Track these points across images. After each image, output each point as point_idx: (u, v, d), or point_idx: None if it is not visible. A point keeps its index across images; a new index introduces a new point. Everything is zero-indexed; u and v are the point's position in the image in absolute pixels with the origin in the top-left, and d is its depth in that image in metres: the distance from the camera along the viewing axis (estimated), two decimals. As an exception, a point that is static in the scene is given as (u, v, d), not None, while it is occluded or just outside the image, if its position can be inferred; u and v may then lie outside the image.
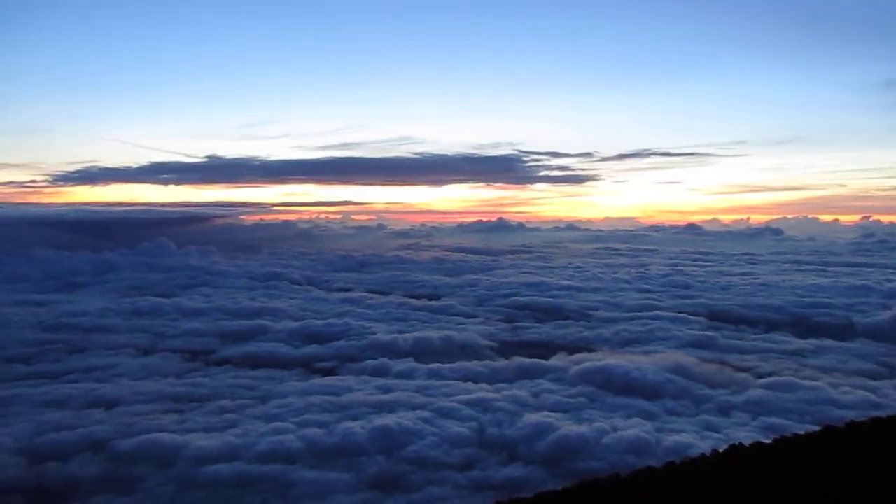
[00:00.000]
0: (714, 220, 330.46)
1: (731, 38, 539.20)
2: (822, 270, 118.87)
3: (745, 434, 31.59)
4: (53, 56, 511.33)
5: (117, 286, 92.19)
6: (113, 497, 26.88)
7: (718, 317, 70.18)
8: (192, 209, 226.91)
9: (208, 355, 51.77)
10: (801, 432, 12.54)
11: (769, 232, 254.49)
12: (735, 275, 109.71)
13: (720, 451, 11.52)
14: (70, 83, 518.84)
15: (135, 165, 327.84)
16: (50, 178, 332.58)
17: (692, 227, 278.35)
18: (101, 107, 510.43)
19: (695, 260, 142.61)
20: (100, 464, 29.77)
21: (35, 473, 28.86)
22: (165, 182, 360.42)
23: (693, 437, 32.41)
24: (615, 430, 33.26)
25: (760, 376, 45.26)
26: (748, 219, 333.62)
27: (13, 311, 67.23)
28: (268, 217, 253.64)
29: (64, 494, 27.34)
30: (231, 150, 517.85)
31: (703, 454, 11.69)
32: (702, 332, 60.19)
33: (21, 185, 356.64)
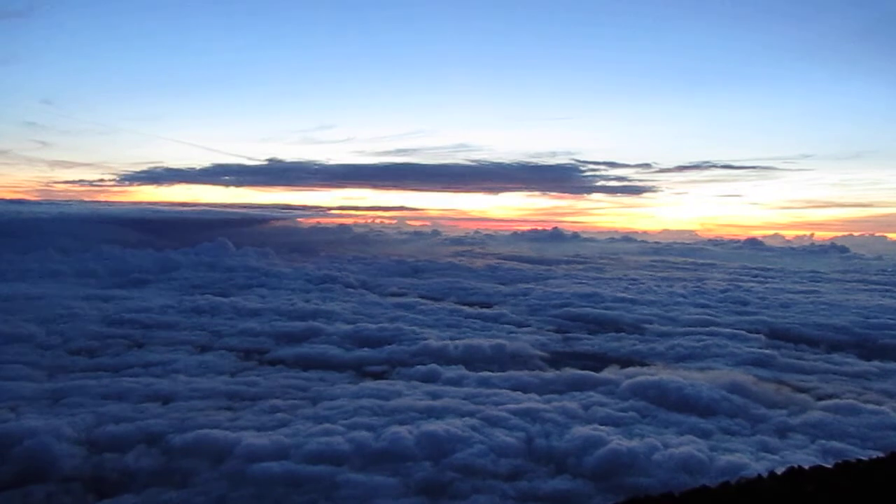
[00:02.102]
0: (776, 236, 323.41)
1: (797, 48, 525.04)
2: (889, 291, 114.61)
3: (803, 457, 30.62)
4: (122, 59, 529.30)
5: (179, 284, 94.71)
6: (166, 489, 27.46)
7: (778, 335, 68.22)
8: (252, 211, 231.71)
9: (262, 355, 52.64)
10: (865, 458, 12.05)
11: (834, 249, 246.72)
12: (797, 292, 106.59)
13: (778, 473, 11.16)
14: (138, 86, 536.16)
15: (198, 167, 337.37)
16: (117, 178, 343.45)
17: (753, 242, 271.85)
18: (167, 109, 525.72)
19: (755, 276, 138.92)
20: (155, 457, 30.48)
21: (93, 463, 29.74)
22: (227, 184, 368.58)
23: (748, 458, 31.47)
24: (667, 446, 32.54)
25: (821, 398, 43.80)
26: (812, 235, 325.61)
27: (80, 306, 69.60)
28: (325, 221, 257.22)
29: (120, 485, 28.07)
30: (291, 153, 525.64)
31: (759, 475, 11.35)
32: (760, 350, 58.53)
33: (90, 183, 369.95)
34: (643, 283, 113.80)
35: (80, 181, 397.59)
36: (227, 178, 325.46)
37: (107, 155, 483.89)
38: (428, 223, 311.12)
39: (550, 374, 47.99)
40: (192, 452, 30.66)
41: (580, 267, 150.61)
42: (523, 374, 47.21)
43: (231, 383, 43.47)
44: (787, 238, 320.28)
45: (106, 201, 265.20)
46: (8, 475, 28.12)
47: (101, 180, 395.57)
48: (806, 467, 11.55)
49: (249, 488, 27.83)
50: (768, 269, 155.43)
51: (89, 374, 44.48)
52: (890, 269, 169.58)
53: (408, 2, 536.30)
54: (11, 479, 27.73)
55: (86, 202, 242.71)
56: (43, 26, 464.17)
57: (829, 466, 11.50)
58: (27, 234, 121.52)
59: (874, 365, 54.78)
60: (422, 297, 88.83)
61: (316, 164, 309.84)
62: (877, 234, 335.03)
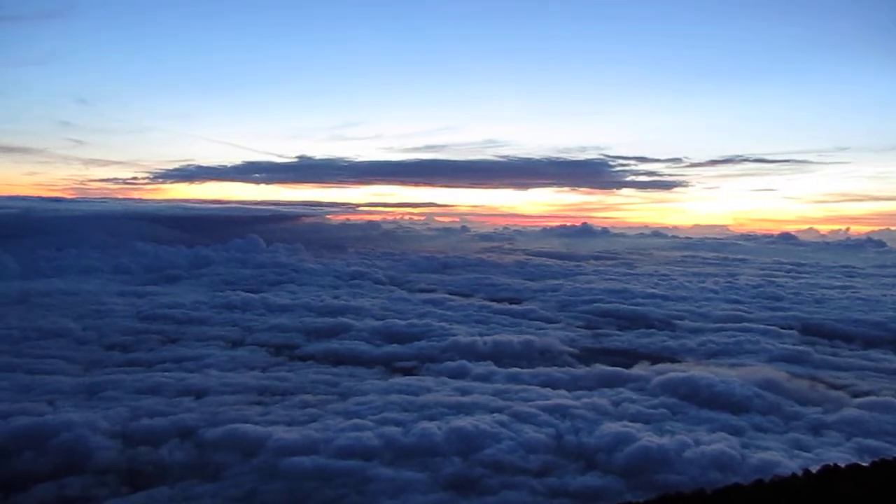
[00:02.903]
0: (811, 230, 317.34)
1: (832, 40, 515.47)
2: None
3: (838, 455, 30.10)
4: (155, 59, 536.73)
5: (210, 280, 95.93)
6: (199, 482, 27.88)
7: (812, 331, 67.21)
8: (282, 208, 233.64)
9: (293, 350, 53.16)
10: (902, 456, 11.80)
11: (870, 244, 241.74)
12: (831, 288, 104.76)
13: (813, 471, 10.98)
14: (170, 86, 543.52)
15: (229, 164, 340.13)
16: (150, 176, 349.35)
17: (787, 237, 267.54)
18: (199, 108, 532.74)
19: (788, 271, 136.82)
20: (187, 450, 30.97)
21: (128, 456, 30.28)
22: (257, 181, 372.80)
23: (781, 456, 31.05)
24: (698, 443, 32.22)
25: (856, 395, 43.07)
26: (847, 229, 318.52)
27: (114, 301, 70.88)
28: (354, 217, 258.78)
29: (154, 478, 28.54)
30: (321, 150, 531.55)
31: (793, 473, 11.19)
32: (794, 347, 57.68)
33: (124, 181, 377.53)
34: (674, 279, 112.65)
35: (115, 179, 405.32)
36: (257, 175, 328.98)
37: (140, 153, 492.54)
38: (456, 219, 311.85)
39: (580, 370, 47.77)
40: (224, 446, 31.09)
41: (610, 262, 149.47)
42: (553, 371, 47.08)
43: (262, 378, 43.98)
44: (821, 232, 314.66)
45: (139, 199, 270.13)
46: (45, 467, 28.73)
47: (135, 178, 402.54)
48: (841, 465, 11.37)
49: (280, 482, 28.12)
50: (802, 264, 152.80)
51: (124, 368, 45.34)
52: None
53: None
54: (49, 471, 28.35)
55: (120, 200, 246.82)
56: (79, 27, 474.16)
57: (865, 465, 11.30)
58: (63, 232, 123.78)
59: (912, 362, 53.62)
60: (450, 293, 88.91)
61: (345, 161, 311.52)
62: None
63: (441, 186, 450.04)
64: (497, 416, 35.23)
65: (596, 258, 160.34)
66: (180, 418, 34.34)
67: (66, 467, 28.70)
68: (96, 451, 30.14)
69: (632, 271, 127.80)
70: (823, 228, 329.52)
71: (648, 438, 32.45)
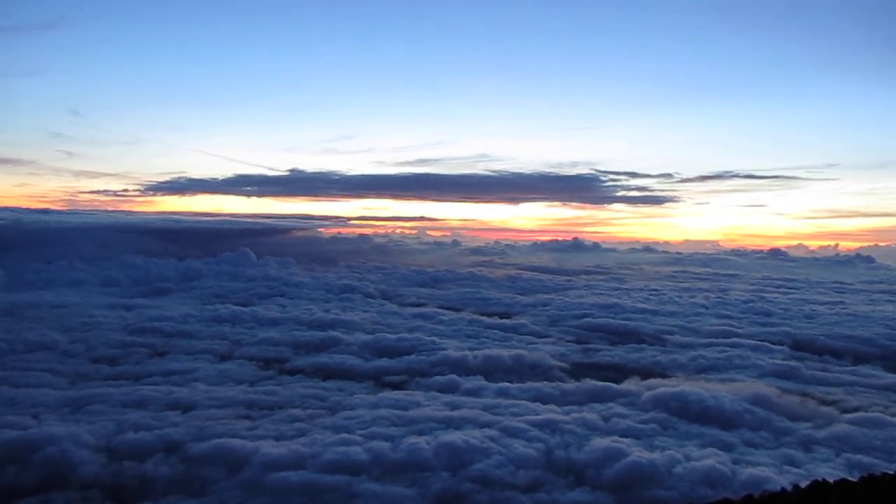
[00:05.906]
0: (800, 246, 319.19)
1: (822, 57, 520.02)
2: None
3: (828, 471, 30.08)
4: (147, 71, 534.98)
5: (200, 293, 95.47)
6: (184, 498, 27.57)
7: (802, 346, 67.41)
8: (273, 221, 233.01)
9: (282, 364, 52.81)
10: (891, 472, 11.76)
11: (860, 260, 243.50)
12: (821, 303, 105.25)
13: (803, 486, 10.92)
14: (162, 97, 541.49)
15: (220, 177, 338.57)
16: (141, 188, 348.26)
17: (776, 253, 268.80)
18: (191, 120, 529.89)
19: (778, 286, 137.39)
20: (173, 465, 30.62)
21: (113, 471, 29.92)
22: (249, 194, 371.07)
23: (771, 471, 30.97)
24: (688, 459, 32.16)
25: (846, 411, 43.19)
26: (837, 245, 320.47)
27: (103, 314, 70.35)
28: (345, 230, 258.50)
29: (139, 493, 28.22)
30: (313, 164, 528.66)
31: (783, 489, 11.12)
32: (784, 362, 57.82)
33: (115, 193, 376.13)
34: (664, 294, 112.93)
35: (105, 191, 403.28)
36: (248, 188, 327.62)
37: (131, 165, 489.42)
38: (448, 233, 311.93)
39: (570, 385, 47.65)
40: (211, 461, 30.76)
41: (601, 277, 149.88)
42: (543, 385, 46.95)
43: (250, 392, 43.63)
44: (811, 248, 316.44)
45: (130, 211, 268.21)
46: (29, 481, 28.36)
47: (126, 190, 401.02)
48: (831, 481, 11.31)
49: (267, 497, 27.84)
50: (792, 280, 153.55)
51: (111, 382, 44.95)
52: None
53: (429, 13, 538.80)
54: (32, 486, 27.98)
55: (110, 212, 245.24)
56: (71, 38, 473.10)
57: (854, 480, 11.25)
58: (53, 244, 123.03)
59: (901, 377, 53.76)
60: (441, 307, 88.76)
61: (337, 175, 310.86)
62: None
63: (433, 200, 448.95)
64: (486, 430, 35.03)
65: (587, 273, 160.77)
66: (166, 432, 33.94)
67: (49, 482, 28.34)
68: (80, 465, 29.76)
69: (622, 286, 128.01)
70: (813, 244, 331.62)
71: (638, 454, 32.32)
